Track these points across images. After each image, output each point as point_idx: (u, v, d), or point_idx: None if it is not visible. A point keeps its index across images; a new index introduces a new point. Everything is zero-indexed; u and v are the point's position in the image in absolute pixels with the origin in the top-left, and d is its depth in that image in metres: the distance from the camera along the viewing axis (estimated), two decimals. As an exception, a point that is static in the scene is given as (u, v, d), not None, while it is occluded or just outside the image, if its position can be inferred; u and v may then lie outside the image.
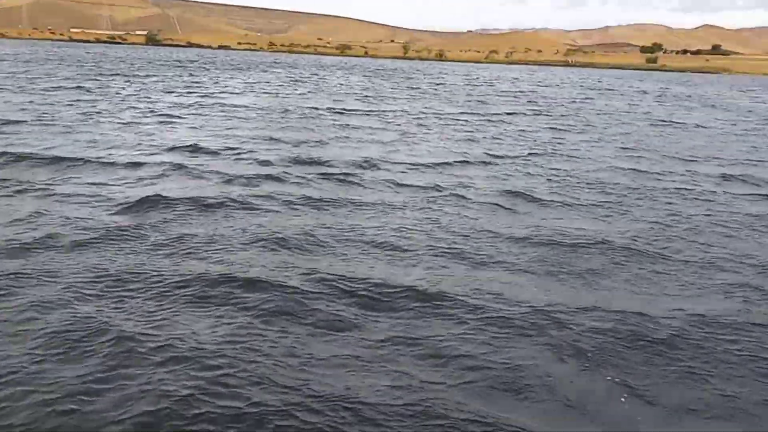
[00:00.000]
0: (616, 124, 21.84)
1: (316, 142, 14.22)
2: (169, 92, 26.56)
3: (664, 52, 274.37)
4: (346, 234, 7.16)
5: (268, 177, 10.06)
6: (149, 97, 23.55)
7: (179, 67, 54.94)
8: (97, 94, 23.76)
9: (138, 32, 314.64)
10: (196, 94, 25.98)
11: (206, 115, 18.87)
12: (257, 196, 8.67)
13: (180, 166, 10.46)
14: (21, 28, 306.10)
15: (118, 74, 37.51)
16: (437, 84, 48.49)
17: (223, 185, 9.36)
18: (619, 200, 9.64)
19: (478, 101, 31.02)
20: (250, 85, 34.94)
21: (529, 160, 13.20)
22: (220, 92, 27.98)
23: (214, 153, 12.12)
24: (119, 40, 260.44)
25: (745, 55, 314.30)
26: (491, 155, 13.49)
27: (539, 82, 63.08)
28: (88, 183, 9.10)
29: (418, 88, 41.59)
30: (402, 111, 23.42)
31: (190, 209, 7.81)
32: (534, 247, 6.98)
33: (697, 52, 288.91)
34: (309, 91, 31.79)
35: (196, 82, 34.39)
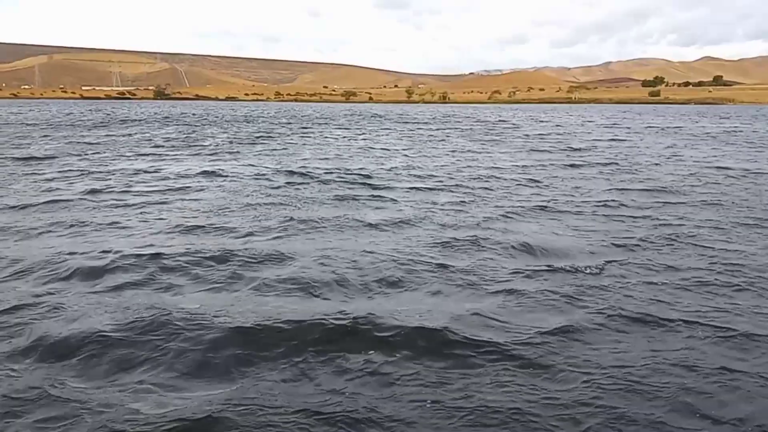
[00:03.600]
0: (696, 176, 19.43)
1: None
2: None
3: (665, 85, 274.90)
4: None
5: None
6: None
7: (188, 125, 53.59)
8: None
9: (149, 87, 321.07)
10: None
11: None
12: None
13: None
14: (33, 88, 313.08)
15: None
16: (448, 129, 46.80)
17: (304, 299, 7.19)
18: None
19: (519, 149, 29.01)
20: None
21: (651, 249, 9.48)
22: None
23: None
24: (129, 96, 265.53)
25: (746, 85, 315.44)
26: (591, 243, 9.96)
27: (556, 122, 61.35)
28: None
29: (436, 134, 39.89)
30: (452, 165, 21.47)
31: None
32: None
33: (699, 84, 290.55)
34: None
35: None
